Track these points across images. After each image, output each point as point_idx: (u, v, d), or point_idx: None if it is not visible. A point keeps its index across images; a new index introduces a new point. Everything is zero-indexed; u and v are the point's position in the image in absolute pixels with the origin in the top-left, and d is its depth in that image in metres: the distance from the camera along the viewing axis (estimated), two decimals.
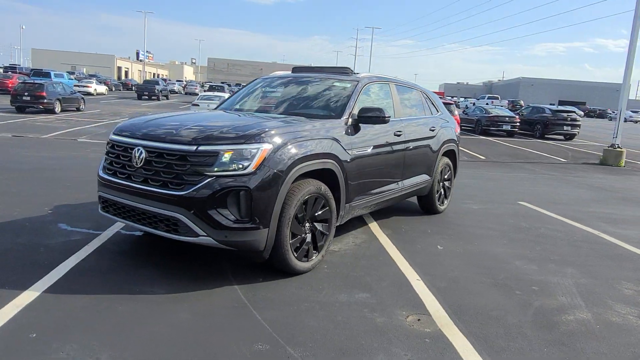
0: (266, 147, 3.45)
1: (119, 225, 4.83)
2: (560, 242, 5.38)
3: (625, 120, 55.94)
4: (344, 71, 5.29)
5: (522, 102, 51.94)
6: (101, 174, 3.96)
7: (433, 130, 5.88)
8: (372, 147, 4.57)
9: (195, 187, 3.32)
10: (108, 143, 4.03)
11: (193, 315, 3.10)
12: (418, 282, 3.88)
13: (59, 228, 4.74)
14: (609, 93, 72.30)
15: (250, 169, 3.37)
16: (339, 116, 4.37)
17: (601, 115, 60.41)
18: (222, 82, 56.46)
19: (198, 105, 18.89)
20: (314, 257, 3.94)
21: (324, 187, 3.90)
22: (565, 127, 21.43)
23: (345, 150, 4.15)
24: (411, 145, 5.31)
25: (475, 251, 4.83)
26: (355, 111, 4.46)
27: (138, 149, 3.61)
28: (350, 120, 4.36)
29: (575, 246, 5.25)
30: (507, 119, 21.62)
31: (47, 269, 3.67)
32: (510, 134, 21.70)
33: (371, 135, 4.57)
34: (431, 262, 4.38)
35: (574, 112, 22.50)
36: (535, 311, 3.48)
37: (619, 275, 4.37)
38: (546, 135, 21.71)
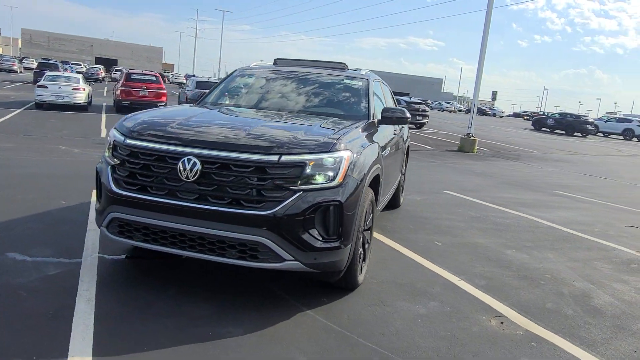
0: (348, 155, 3.10)
1: (91, 249, 3.86)
2: (514, 228, 6.03)
3: (442, 110, 65.67)
4: (340, 67, 5.03)
5: None
6: (115, 189, 3.08)
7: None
8: (388, 148, 4.47)
9: (283, 205, 2.82)
10: (120, 148, 3.16)
11: (306, 356, 2.66)
12: (462, 283, 3.96)
13: (15, 260, 3.58)
14: (428, 86, 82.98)
15: (337, 181, 2.99)
16: (366, 117, 4.16)
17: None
18: (63, 61, 47.25)
19: (47, 88, 15.97)
20: (364, 269, 3.71)
21: (372, 194, 3.68)
22: (417, 117, 23.91)
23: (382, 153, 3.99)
24: (401, 142, 5.35)
25: (466, 244, 5.11)
26: (375, 111, 4.30)
27: (189, 159, 2.90)
28: (376, 121, 4.18)
29: (529, 231, 5.94)
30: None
31: (63, 324, 2.75)
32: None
33: (385, 135, 4.46)
34: (449, 260, 4.50)
35: (424, 103, 25.27)
36: (574, 299, 3.86)
37: (588, 256, 5.10)
38: None
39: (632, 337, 3.29)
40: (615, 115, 41.42)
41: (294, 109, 4.27)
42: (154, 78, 18.80)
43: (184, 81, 57.09)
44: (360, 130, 3.65)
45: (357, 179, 3.13)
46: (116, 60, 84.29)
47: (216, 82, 19.19)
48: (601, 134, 35.40)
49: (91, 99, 18.50)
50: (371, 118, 4.16)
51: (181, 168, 2.90)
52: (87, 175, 5.89)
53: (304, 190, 2.88)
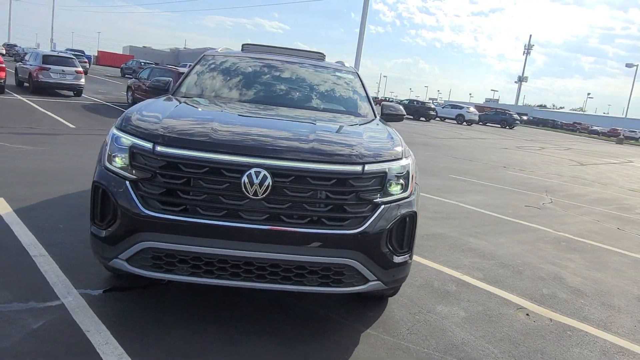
0: (411, 161, 2.90)
1: (61, 284, 3.01)
2: (455, 215, 6.45)
3: None
4: (319, 57, 4.69)
5: None
6: (146, 211, 2.40)
7: None
8: None
9: (370, 221, 2.51)
10: (146, 158, 2.47)
11: None
12: (467, 277, 4.08)
13: None
14: None
15: (409, 190, 2.78)
16: (374, 115, 3.96)
17: None
18: None
19: None
20: None
21: None
22: None
23: None
24: None
25: (433, 235, 5.30)
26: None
27: (257, 172, 2.39)
28: (378, 118, 4.01)
29: (468, 218, 6.42)
30: None
31: None
32: None
33: None
34: (434, 254, 4.61)
35: None
36: (554, 282, 4.28)
37: (528, 239, 5.70)
38: None
39: (623, 313, 3.78)
40: (450, 102, 47.43)
41: (303, 106, 3.85)
42: None
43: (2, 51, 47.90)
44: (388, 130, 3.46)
45: (417, 186, 2.96)
46: None
47: (65, 56, 16.72)
48: (439, 119, 40.13)
49: None
50: (377, 116, 3.98)
51: (247, 182, 2.38)
52: None
53: (385, 203, 2.61)
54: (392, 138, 3.02)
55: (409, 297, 3.52)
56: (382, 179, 2.61)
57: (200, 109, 3.33)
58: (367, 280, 2.57)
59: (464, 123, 38.18)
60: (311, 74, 4.30)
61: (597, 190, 10.84)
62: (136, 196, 2.44)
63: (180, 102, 3.36)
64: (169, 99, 3.53)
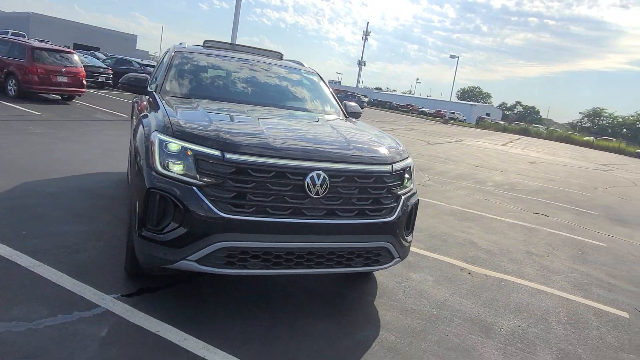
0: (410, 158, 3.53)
1: (89, 292, 2.99)
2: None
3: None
4: (277, 56, 4.95)
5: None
6: (221, 214, 2.61)
7: None
8: None
9: (398, 210, 3.09)
10: (215, 165, 2.66)
11: (396, 334, 3.14)
12: (410, 248, 4.93)
13: (16, 333, 2.45)
14: (121, 42, 76.50)
15: (413, 182, 3.42)
16: (345, 115, 4.47)
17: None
18: None
19: None
20: None
21: None
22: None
23: None
24: None
25: None
26: None
27: (318, 174, 2.77)
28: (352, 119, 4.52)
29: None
30: (101, 70, 20.54)
31: None
32: (102, 85, 20.80)
33: None
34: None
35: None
36: (501, 255, 5.41)
37: (434, 212, 6.85)
38: None
39: (525, 265, 5.02)
40: None
41: (293, 106, 4.20)
42: None
43: None
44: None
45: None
46: None
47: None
48: None
49: None
50: (347, 115, 4.51)
51: (309, 183, 2.75)
52: None
53: (404, 194, 3.21)
54: (394, 139, 3.61)
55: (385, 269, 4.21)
56: (402, 175, 3.20)
57: (237, 115, 3.46)
58: (393, 258, 3.16)
59: None
60: (288, 74, 4.63)
61: (453, 167, 12.95)
62: (208, 200, 2.62)
63: (200, 106, 3.43)
64: (189, 103, 3.55)
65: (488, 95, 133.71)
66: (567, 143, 53.99)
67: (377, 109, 59.69)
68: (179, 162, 2.71)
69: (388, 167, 3.08)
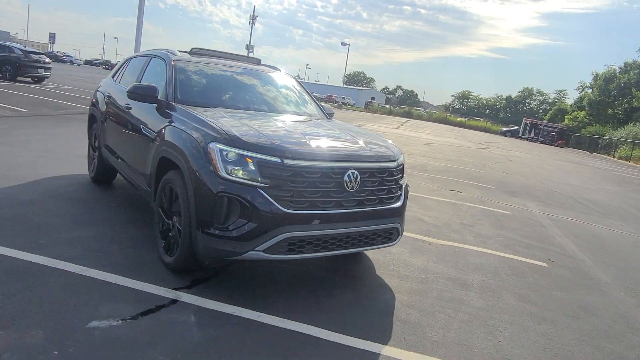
0: None
1: (151, 288, 3.35)
2: None
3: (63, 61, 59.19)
4: (256, 62, 5.39)
5: None
6: (285, 209, 3.17)
7: None
8: None
9: (402, 196, 3.89)
10: (275, 169, 3.19)
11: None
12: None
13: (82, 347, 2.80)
14: None
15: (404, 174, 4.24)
16: (324, 115, 5.12)
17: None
18: None
19: None
20: None
21: None
22: (39, 70, 20.71)
23: None
24: None
25: None
26: None
27: (352, 172, 3.44)
28: None
29: None
30: None
31: None
32: None
33: None
34: None
35: (44, 54, 21.86)
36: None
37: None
38: (18, 78, 20.20)
39: (465, 233, 6.18)
40: None
41: (282, 110, 4.72)
42: None
43: None
44: None
45: None
46: None
47: None
48: None
49: None
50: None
51: (347, 180, 3.41)
52: None
53: (404, 184, 4.01)
54: (386, 139, 4.37)
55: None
56: (402, 169, 3.99)
57: (272, 124, 4.00)
58: (399, 235, 3.96)
59: None
60: (281, 82, 5.20)
61: None
62: (272, 199, 3.15)
63: (228, 115, 3.87)
64: (214, 112, 3.92)
65: (372, 80, 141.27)
66: (444, 124, 59.78)
67: None
68: (240, 168, 3.19)
69: (395, 163, 3.85)
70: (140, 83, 4.24)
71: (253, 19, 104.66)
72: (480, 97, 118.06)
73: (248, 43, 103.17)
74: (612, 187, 15.37)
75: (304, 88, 5.43)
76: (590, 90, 54.58)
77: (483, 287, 4.36)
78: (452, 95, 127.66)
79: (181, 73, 4.46)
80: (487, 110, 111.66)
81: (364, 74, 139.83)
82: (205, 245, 3.24)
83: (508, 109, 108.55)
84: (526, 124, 54.84)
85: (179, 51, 4.89)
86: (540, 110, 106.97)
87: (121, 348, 2.61)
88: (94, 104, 6.01)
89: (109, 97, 5.54)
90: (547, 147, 42.10)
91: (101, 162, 5.70)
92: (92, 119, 6.15)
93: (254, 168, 3.19)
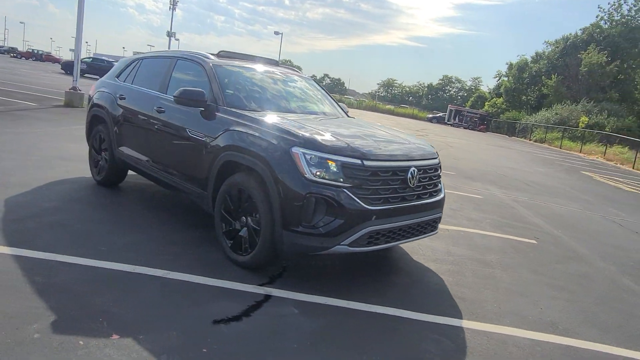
0: None
1: (238, 287, 3.56)
2: None
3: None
4: (275, 63, 5.58)
5: None
6: (367, 206, 3.51)
7: None
8: None
9: (442, 189, 4.37)
10: (357, 170, 3.53)
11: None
12: None
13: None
14: None
15: None
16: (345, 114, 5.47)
17: None
18: None
19: None
20: None
21: None
22: None
23: None
24: None
25: None
26: None
27: (413, 171, 3.85)
28: None
29: None
30: None
31: None
32: None
33: None
34: None
35: None
36: None
37: None
38: None
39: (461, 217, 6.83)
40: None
41: (322, 112, 5.07)
42: None
43: None
44: None
45: None
46: None
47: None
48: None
49: None
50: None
51: (410, 178, 3.82)
52: None
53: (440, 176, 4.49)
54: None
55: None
56: (440, 165, 4.46)
57: (337, 127, 4.31)
58: (439, 223, 4.44)
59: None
60: (310, 84, 5.50)
61: None
62: (356, 197, 3.48)
63: (287, 119, 4.12)
64: (270, 116, 4.13)
65: (299, 68, 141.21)
66: (374, 112, 61.69)
67: None
68: (324, 170, 3.47)
69: (437, 160, 4.32)
70: (189, 88, 4.28)
71: (174, 4, 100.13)
72: (403, 84, 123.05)
73: (169, 29, 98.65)
74: (542, 169, 17.12)
75: (322, 87, 5.72)
76: (506, 79, 58.95)
77: (502, 264, 4.98)
78: (377, 83, 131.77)
79: (224, 77, 4.57)
80: (411, 98, 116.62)
81: (290, 62, 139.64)
82: (292, 242, 3.50)
83: (430, 96, 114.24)
84: (451, 110, 58.23)
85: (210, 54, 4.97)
86: (459, 97, 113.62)
87: (255, 341, 2.84)
88: (99, 105, 5.85)
89: (123, 98, 5.45)
90: (471, 133, 45.13)
91: (113, 165, 5.60)
92: (95, 121, 5.99)
93: (337, 170, 3.49)
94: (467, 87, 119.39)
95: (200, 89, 4.32)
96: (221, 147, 4.00)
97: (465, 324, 3.46)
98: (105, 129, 5.71)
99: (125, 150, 5.36)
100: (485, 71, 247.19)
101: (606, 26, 46.51)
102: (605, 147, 29.89)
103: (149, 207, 5.29)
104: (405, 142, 4.30)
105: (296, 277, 3.87)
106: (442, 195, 4.30)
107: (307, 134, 3.65)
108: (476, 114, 56.26)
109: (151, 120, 4.93)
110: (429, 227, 4.20)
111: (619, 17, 45.96)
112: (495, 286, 4.31)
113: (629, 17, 45.32)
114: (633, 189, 14.87)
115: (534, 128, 42.91)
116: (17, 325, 2.67)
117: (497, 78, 65.31)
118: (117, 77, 5.91)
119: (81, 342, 2.58)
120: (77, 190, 5.55)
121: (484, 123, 53.95)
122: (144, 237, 4.26)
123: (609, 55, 42.57)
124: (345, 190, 3.46)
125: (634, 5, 44.54)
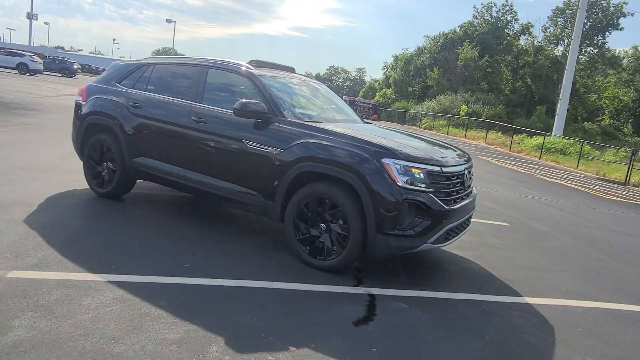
0: None
1: (331, 287, 3.85)
2: None
3: None
4: (291, 69, 5.70)
5: None
6: (447, 207, 3.99)
7: None
8: None
9: (473, 187, 5.01)
10: (437, 177, 3.98)
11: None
12: None
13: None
14: None
15: None
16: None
17: None
18: None
19: None
20: None
21: None
22: None
23: None
24: None
25: None
26: None
27: (467, 172, 4.43)
28: None
29: None
30: None
31: None
32: None
33: None
34: None
35: None
36: None
37: None
38: None
39: None
40: (6, 49, 38.37)
41: (353, 119, 5.36)
42: None
43: None
44: None
45: None
46: None
47: None
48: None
49: None
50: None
51: (465, 179, 4.38)
52: None
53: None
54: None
55: None
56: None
57: (400, 137, 4.73)
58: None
59: (28, 73, 33.91)
60: (327, 90, 5.69)
61: None
62: (440, 200, 3.94)
63: (348, 129, 4.36)
64: (327, 125, 4.37)
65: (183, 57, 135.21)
66: None
67: (90, 75, 52.53)
68: (412, 177, 3.86)
69: (471, 162, 4.93)
70: (249, 100, 4.30)
71: None
72: None
73: (30, 11, 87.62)
74: None
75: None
76: (393, 71, 63.01)
77: (505, 246, 5.82)
78: None
79: (273, 87, 4.66)
80: None
81: (175, 50, 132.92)
82: (386, 244, 3.85)
83: None
84: (345, 100, 60.43)
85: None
86: (346, 87, 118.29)
87: (405, 336, 3.17)
88: (101, 114, 5.46)
89: (138, 107, 5.19)
90: None
91: (123, 176, 5.33)
92: (92, 130, 5.58)
93: (423, 176, 3.90)
94: (352, 77, 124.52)
95: (259, 101, 4.39)
96: (294, 158, 4.15)
97: (529, 300, 4.14)
98: (111, 138, 5.37)
99: (145, 161, 5.14)
100: (367, 63, 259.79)
101: (478, 24, 52.05)
102: (486, 133, 33.82)
103: (177, 218, 5.16)
104: (450, 147, 4.85)
105: (379, 276, 4.22)
106: (475, 192, 4.94)
107: (391, 145, 4.00)
108: (369, 104, 59.37)
109: (188, 131, 4.82)
110: (469, 222, 4.82)
111: (489, 17, 51.73)
112: (517, 266, 5.10)
113: (497, 18, 51.26)
114: (524, 170, 17.27)
115: (422, 116, 46.77)
116: (196, 350, 2.68)
117: (384, 69, 69.44)
118: (119, 83, 5.57)
119: (271, 358, 2.70)
120: (90, 202, 5.21)
121: (376, 112, 57.20)
122: (210, 252, 4.22)
123: (480, 50, 47.85)
124: (430, 194, 3.90)
125: (502, 8, 50.63)
